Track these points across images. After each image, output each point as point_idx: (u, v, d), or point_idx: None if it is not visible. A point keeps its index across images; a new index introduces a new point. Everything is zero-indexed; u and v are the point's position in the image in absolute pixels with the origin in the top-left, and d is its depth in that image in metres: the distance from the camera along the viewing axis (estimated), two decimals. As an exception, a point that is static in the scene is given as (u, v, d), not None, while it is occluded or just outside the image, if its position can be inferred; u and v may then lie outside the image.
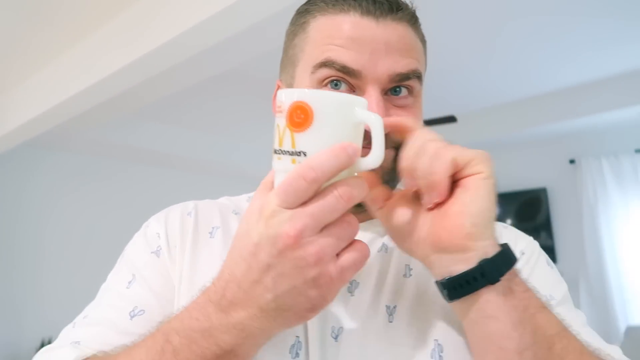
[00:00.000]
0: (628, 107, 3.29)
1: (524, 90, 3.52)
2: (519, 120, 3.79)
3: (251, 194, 0.69)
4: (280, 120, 0.42)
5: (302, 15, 0.59)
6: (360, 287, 0.57)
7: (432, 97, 3.59)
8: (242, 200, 0.71)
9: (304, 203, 0.39)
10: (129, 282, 0.58)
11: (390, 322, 0.54)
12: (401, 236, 0.50)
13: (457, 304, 0.46)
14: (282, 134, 0.41)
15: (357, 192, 0.40)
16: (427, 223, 0.47)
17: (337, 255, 0.40)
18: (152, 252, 0.60)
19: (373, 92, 0.53)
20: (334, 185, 0.39)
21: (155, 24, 1.95)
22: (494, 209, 0.45)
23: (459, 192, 0.45)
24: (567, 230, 4.03)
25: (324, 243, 0.39)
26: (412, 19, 0.57)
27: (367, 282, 0.57)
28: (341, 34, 0.54)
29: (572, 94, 3.48)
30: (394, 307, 0.55)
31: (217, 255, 0.59)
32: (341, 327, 0.53)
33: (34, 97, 2.69)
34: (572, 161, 4.05)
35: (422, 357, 0.51)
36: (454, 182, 0.46)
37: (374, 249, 0.60)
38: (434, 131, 0.47)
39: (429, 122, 3.08)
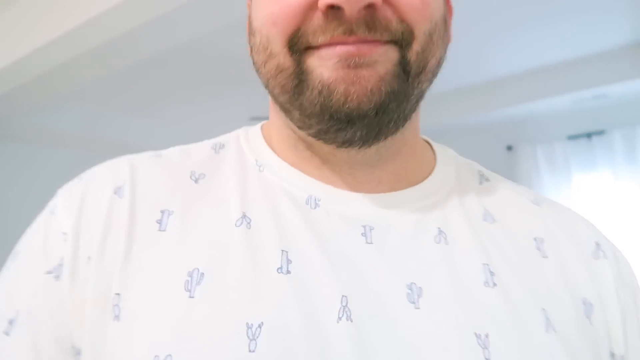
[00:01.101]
0: (561, 95, 3.43)
1: (462, 79, 3.60)
2: (458, 108, 3.87)
3: (217, 140, 0.47)
4: None
5: None
6: (426, 296, 0.36)
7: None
8: (205, 151, 0.45)
9: None
10: (10, 323, 0.35)
11: (488, 358, 0.34)
12: None
13: None
14: None
15: None
16: None
17: None
18: (47, 272, 0.36)
19: None
20: None
21: None
22: None
23: None
24: (504, 214, 4.18)
25: None
26: None
27: (434, 288, 0.37)
28: None
29: (508, 83, 3.59)
30: (486, 335, 0.35)
31: (171, 267, 0.35)
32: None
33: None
34: (509, 148, 4.19)
35: None
36: None
37: (427, 238, 0.40)
38: None
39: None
